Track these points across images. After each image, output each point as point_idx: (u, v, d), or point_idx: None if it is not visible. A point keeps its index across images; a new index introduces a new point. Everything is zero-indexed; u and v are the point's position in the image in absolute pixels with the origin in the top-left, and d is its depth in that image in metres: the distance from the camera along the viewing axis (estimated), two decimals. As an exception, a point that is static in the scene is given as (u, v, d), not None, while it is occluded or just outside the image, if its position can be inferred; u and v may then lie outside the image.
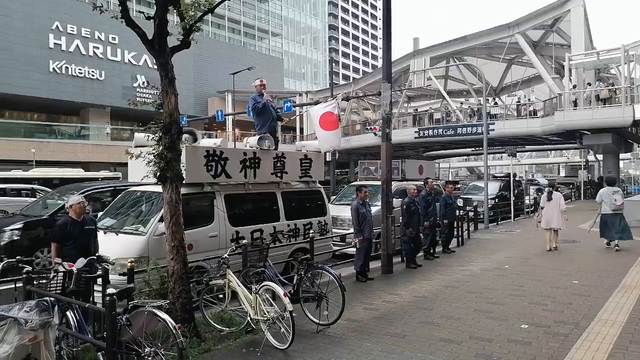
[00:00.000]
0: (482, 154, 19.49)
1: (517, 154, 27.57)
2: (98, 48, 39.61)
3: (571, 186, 37.25)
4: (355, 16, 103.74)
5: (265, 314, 5.16)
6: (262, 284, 5.37)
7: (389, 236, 9.07)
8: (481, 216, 17.23)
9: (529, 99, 36.45)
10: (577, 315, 6.07)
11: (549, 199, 11.58)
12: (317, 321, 5.70)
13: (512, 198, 19.21)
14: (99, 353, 4.43)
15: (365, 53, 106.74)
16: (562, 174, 74.00)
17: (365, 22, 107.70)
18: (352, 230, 8.89)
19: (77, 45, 38.38)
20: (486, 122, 19.23)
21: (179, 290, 5.29)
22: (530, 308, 6.46)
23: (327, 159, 31.07)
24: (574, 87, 25.38)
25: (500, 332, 5.48)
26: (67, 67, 37.79)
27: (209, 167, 7.24)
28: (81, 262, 4.84)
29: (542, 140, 33.05)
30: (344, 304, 5.67)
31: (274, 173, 8.37)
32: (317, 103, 18.46)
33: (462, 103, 39.87)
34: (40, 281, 4.65)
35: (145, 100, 5.80)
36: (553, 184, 16.57)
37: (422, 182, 11.33)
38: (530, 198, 23.17)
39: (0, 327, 3.07)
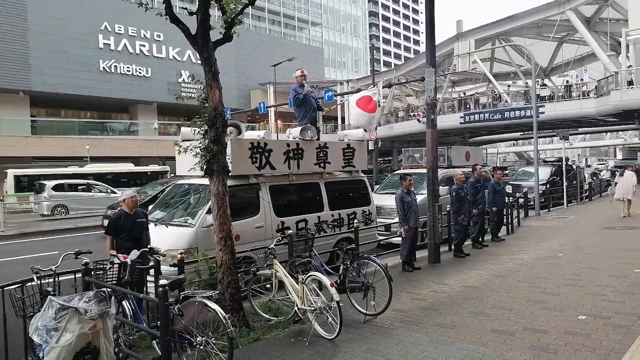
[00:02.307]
0: (531, 138, 18.75)
1: (569, 137, 26.30)
2: (144, 46, 40.81)
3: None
4: (395, 1, 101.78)
5: (312, 303, 5.18)
6: (309, 274, 5.38)
7: (436, 225, 8.89)
8: (531, 203, 16.61)
9: (582, 79, 34.65)
10: (640, 306, 5.75)
11: (622, 175, 14.70)
12: (364, 311, 5.68)
13: (565, 183, 18.39)
14: (153, 341, 4.60)
15: (406, 38, 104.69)
16: (619, 156, 70.26)
17: (405, 6, 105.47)
18: (397, 219, 8.78)
19: (125, 44, 39.70)
20: (535, 105, 18.43)
21: (227, 281, 5.39)
22: (587, 298, 6.17)
23: (370, 148, 30.84)
24: (630, 67, 23.88)
25: (556, 323, 5.27)
26: (116, 66, 39.20)
27: (254, 159, 7.32)
28: (135, 253, 5.01)
29: (597, 121, 31.37)
30: (391, 294, 5.61)
31: (317, 163, 8.36)
32: (358, 91, 18.29)
33: (509, 86, 38.41)
34: (97, 272, 4.86)
35: (190, 94, 5.90)
36: (627, 165, 19.84)
37: (470, 169, 11.04)
38: (585, 183, 22.15)
39: (62, 316, 3.23)
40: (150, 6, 5.45)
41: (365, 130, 9.59)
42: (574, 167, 24.23)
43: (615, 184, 14.86)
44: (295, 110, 8.77)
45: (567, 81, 32.63)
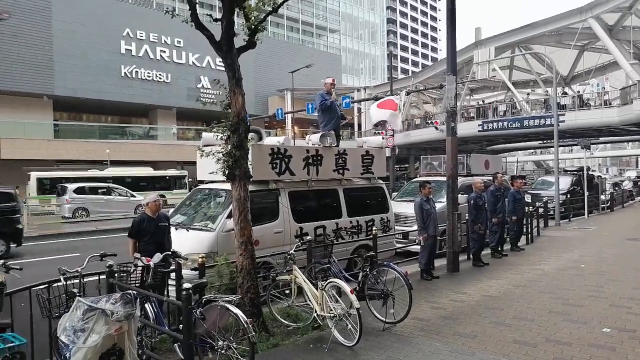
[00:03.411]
0: (551, 147, 18.51)
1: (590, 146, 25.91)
2: (165, 52, 41.45)
3: (652, 180, 34.57)
4: (413, 8, 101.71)
5: (331, 310, 5.17)
6: (329, 280, 5.38)
7: (455, 233, 8.82)
8: (551, 212, 16.36)
9: (603, 87, 34.04)
10: (666, 320, 5.62)
11: None
12: (383, 319, 5.64)
13: (586, 193, 18.08)
14: (175, 344, 4.64)
15: (424, 46, 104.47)
16: (641, 166, 68.90)
17: (424, 13, 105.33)
18: (415, 227, 8.73)
19: (146, 49, 40.39)
20: (556, 113, 18.20)
21: (247, 286, 5.42)
22: (612, 311, 6.05)
23: (387, 155, 30.75)
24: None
25: (579, 336, 5.18)
26: (136, 71, 39.89)
27: (274, 165, 7.37)
28: (157, 257, 5.07)
29: (619, 131, 30.83)
30: (411, 302, 5.57)
31: (335, 170, 8.37)
32: (376, 98, 18.32)
33: (528, 94, 37.96)
34: (121, 275, 4.93)
35: (208, 100, 5.98)
36: None
37: (490, 178, 10.95)
38: (606, 194, 21.80)
39: (90, 317, 3.28)
40: (176, 13, 5.55)
41: (381, 125, 9.84)
42: (595, 176, 23.81)
43: None
44: (319, 116, 8.82)
45: (579, 91, 32.02)
